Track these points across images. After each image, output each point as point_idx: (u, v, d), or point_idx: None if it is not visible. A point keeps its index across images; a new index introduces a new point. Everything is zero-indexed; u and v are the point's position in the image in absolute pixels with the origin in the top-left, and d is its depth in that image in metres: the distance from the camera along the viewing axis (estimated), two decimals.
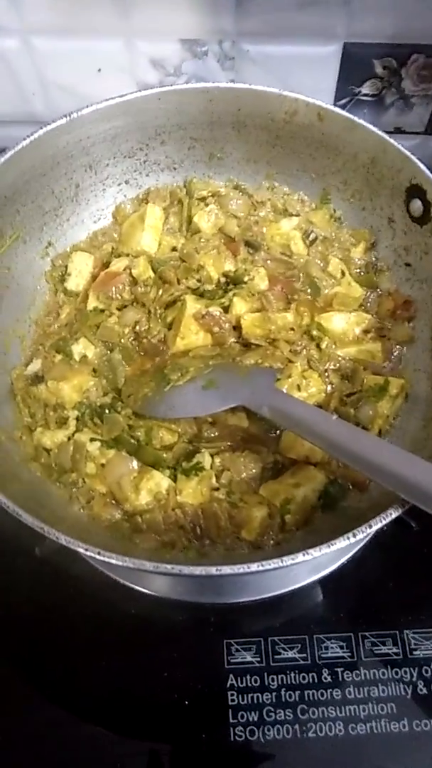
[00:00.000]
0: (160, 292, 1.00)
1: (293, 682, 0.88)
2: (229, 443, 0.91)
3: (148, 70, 1.23)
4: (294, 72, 1.20)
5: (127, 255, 1.04)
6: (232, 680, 0.88)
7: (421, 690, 0.88)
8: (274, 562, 0.65)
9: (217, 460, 0.89)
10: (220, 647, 0.90)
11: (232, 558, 0.82)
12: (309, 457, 0.88)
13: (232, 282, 1.02)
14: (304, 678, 0.89)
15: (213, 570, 0.65)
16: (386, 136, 0.95)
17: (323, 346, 0.98)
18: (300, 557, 0.65)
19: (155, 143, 1.08)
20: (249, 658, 0.90)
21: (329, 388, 0.95)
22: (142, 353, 0.98)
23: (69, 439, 0.90)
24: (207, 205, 1.09)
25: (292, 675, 0.89)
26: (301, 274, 1.03)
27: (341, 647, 0.91)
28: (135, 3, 1.11)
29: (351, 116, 0.97)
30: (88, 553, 0.66)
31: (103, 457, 0.88)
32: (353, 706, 0.87)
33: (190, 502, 0.86)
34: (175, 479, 0.87)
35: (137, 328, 0.99)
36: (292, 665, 0.89)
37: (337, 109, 0.98)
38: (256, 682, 0.88)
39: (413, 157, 0.92)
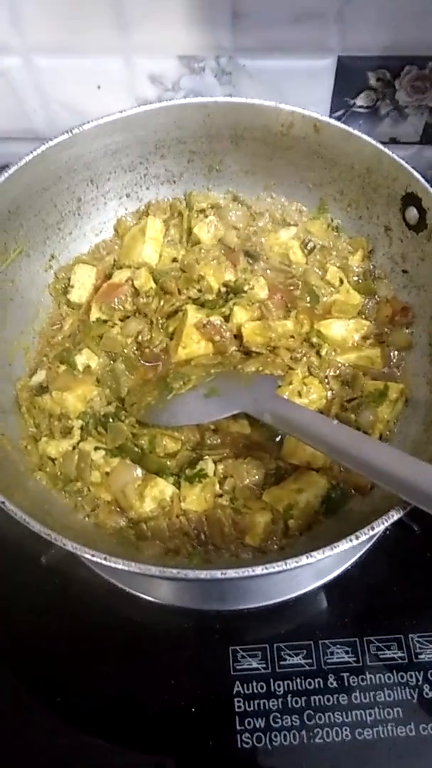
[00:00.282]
0: (162, 302, 1.02)
1: (299, 687, 0.89)
2: (231, 450, 0.92)
3: (147, 86, 1.25)
4: (290, 85, 1.22)
5: (129, 266, 1.06)
6: (238, 687, 0.88)
7: (427, 694, 0.88)
8: (278, 565, 0.66)
9: (220, 467, 0.90)
10: (226, 654, 0.90)
11: (237, 563, 0.83)
12: (311, 462, 0.89)
13: (233, 291, 1.03)
14: (310, 684, 0.89)
15: (218, 573, 0.65)
16: (381, 146, 0.97)
17: (323, 352, 0.99)
18: (304, 560, 0.66)
19: (155, 157, 1.10)
20: (255, 665, 0.90)
21: (330, 394, 0.96)
22: (144, 363, 1.00)
23: (74, 448, 0.91)
24: (206, 216, 1.11)
25: (298, 681, 0.89)
26: (300, 283, 1.05)
27: (347, 652, 0.91)
28: (134, 21, 1.13)
29: (346, 127, 0.99)
30: (94, 559, 0.66)
31: (107, 466, 0.89)
32: (359, 711, 0.87)
33: (194, 508, 0.86)
34: (178, 486, 0.88)
35: (140, 338, 1.00)
36: (297, 671, 0.90)
37: (333, 121, 1.00)
38: (262, 688, 0.88)
39: (408, 166, 0.94)
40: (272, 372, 0.95)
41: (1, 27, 1.14)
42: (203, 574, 0.66)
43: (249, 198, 1.15)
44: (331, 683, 0.89)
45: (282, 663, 0.90)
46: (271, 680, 0.89)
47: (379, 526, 0.69)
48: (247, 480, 0.89)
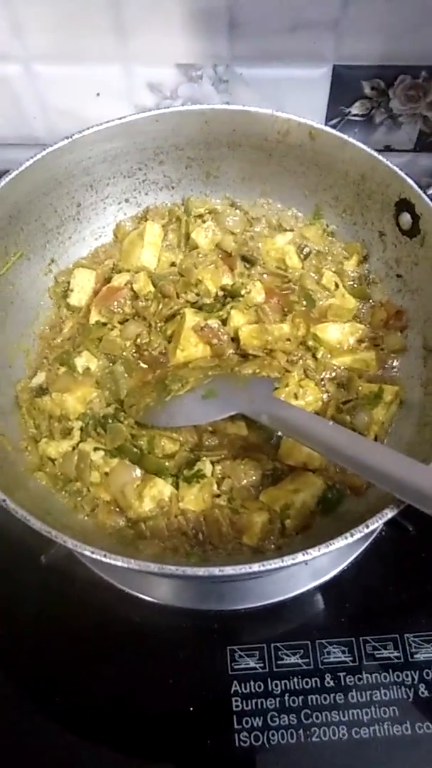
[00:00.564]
0: (160, 306, 1.03)
1: (296, 687, 0.89)
2: (229, 451, 0.93)
3: (145, 93, 1.27)
4: (286, 94, 1.24)
5: (128, 270, 1.07)
6: (235, 686, 0.89)
7: (422, 693, 0.89)
8: (275, 562, 0.67)
9: (218, 468, 0.91)
10: (224, 654, 0.91)
11: (234, 562, 0.83)
12: (307, 463, 0.90)
13: (230, 295, 1.04)
14: (307, 683, 0.89)
15: (216, 570, 0.66)
16: (375, 153, 0.99)
17: (319, 355, 1.00)
18: (300, 557, 0.67)
19: (154, 163, 1.11)
20: (252, 664, 0.91)
21: (325, 396, 0.97)
22: (143, 365, 1.01)
23: (73, 449, 0.92)
24: (204, 221, 1.12)
25: (295, 680, 0.90)
26: (296, 287, 1.06)
27: (343, 652, 0.92)
28: (132, 30, 1.15)
29: (341, 135, 1.01)
30: (94, 556, 0.67)
31: (106, 466, 0.90)
32: (356, 710, 0.88)
33: (192, 508, 0.87)
34: (177, 487, 0.89)
35: (138, 341, 1.01)
36: (295, 670, 0.90)
37: (328, 128, 1.02)
38: (259, 687, 0.89)
39: (401, 173, 0.96)
40: (269, 374, 0.96)
41: (2, 35, 1.16)
42: (201, 571, 0.67)
43: (246, 204, 1.16)
44: (328, 683, 0.89)
45: (279, 663, 0.91)
46: (269, 680, 0.89)
47: (374, 524, 0.70)
48: (245, 480, 0.90)
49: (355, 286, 1.08)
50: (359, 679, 0.90)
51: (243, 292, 1.03)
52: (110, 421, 0.94)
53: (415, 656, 0.91)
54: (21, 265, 1.02)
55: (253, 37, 1.16)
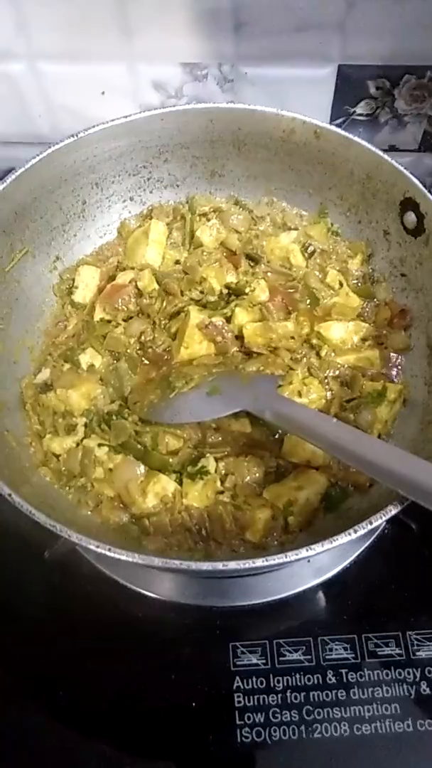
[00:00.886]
0: (165, 303, 1.04)
1: (298, 683, 0.89)
2: (232, 448, 0.93)
3: (150, 92, 1.27)
4: (291, 93, 1.24)
5: (133, 268, 1.08)
6: (238, 682, 0.89)
7: (424, 690, 0.89)
8: (279, 557, 0.67)
9: (222, 465, 0.91)
10: (226, 650, 0.91)
11: (238, 558, 0.84)
12: (311, 461, 0.90)
13: (234, 293, 1.05)
14: (309, 679, 0.90)
15: (219, 565, 0.67)
16: (380, 152, 0.99)
17: (323, 354, 1.00)
18: (303, 552, 0.67)
19: (159, 161, 1.12)
20: (255, 661, 0.91)
21: (329, 394, 0.98)
22: (147, 362, 1.01)
23: (77, 445, 0.93)
24: (209, 220, 1.13)
25: (297, 677, 0.90)
26: (300, 286, 1.07)
27: (345, 649, 0.92)
28: (137, 28, 1.15)
29: (346, 134, 1.01)
30: (98, 550, 0.68)
31: (110, 462, 0.91)
32: (358, 707, 0.88)
33: (195, 505, 0.88)
34: (181, 483, 0.89)
35: (143, 338, 1.02)
36: (297, 667, 0.90)
37: (333, 127, 1.02)
38: (261, 683, 0.89)
39: (406, 172, 0.96)
40: (273, 372, 0.97)
41: (7, 33, 1.16)
42: (205, 566, 0.68)
43: (250, 202, 1.17)
44: (330, 679, 0.90)
45: (281, 659, 0.91)
46: (271, 676, 0.89)
47: (378, 521, 0.71)
48: (248, 477, 0.90)
49: (359, 284, 1.08)
50: (361, 676, 0.90)
51: (247, 290, 1.04)
52: (114, 417, 0.94)
53: (417, 654, 0.92)
54: (26, 262, 1.03)
55: (258, 36, 1.16)
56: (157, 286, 1.05)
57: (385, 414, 0.94)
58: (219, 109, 1.05)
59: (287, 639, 0.92)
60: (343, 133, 1.01)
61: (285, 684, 0.89)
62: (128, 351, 1.01)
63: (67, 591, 0.95)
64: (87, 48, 1.19)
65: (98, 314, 1.03)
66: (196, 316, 1.00)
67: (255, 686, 0.89)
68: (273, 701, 0.88)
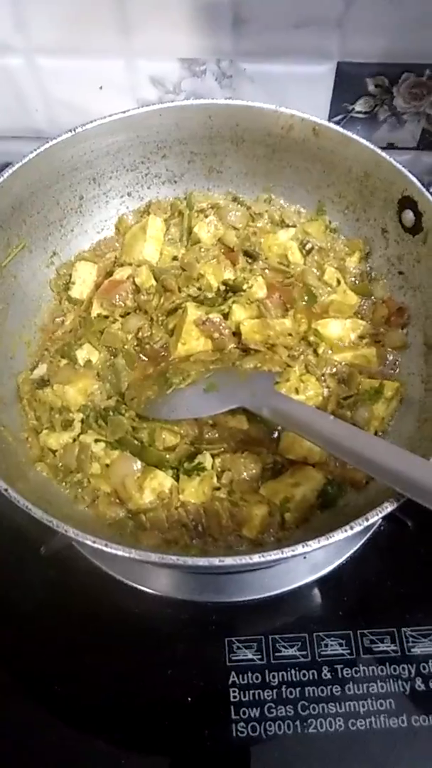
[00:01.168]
0: (162, 299, 1.04)
1: (294, 679, 0.90)
2: (229, 444, 0.93)
3: (148, 87, 1.27)
4: (289, 90, 1.24)
5: (130, 264, 1.08)
6: (233, 677, 0.89)
7: (419, 686, 0.90)
8: (275, 553, 0.67)
9: (218, 461, 0.91)
10: (222, 645, 0.91)
11: (234, 554, 0.84)
12: (307, 457, 0.91)
13: (232, 290, 1.05)
14: (304, 675, 0.90)
15: (216, 561, 0.67)
16: (379, 150, 0.99)
17: (320, 351, 1.00)
18: (299, 548, 0.67)
19: (156, 157, 1.12)
20: (250, 656, 0.91)
21: (326, 391, 0.98)
22: (144, 358, 1.01)
23: (74, 440, 0.92)
24: (206, 216, 1.13)
25: (293, 672, 0.90)
26: (298, 283, 1.07)
27: (340, 645, 0.92)
28: (136, 24, 1.15)
29: (345, 131, 1.01)
30: (95, 546, 0.68)
31: (107, 458, 0.91)
32: (353, 703, 0.88)
33: (192, 500, 0.88)
34: (177, 479, 0.89)
35: (140, 334, 1.02)
36: (292, 662, 0.91)
37: (332, 125, 1.02)
38: (257, 679, 0.89)
39: (404, 170, 0.96)
40: (270, 369, 0.97)
41: (5, 27, 1.16)
42: (202, 561, 0.68)
43: (248, 199, 1.17)
44: (325, 675, 0.90)
45: (277, 654, 0.91)
46: (266, 671, 0.90)
47: (374, 518, 0.71)
48: (245, 474, 0.91)
49: (357, 282, 1.08)
50: (356, 672, 0.90)
51: (245, 286, 1.04)
52: (111, 413, 0.94)
53: (412, 650, 0.92)
54: (23, 257, 1.03)
55: (257, 32, 1.16)
56: (154, 282, 1.04)
57: (381, 411, 0.95)
58: (217, 106, 1.05)
59: (283, 635, 0.93)
60: (341, 130, 1.01)
61: (280, 679, 0.90)
62: (125, 347, 1.01)
63: (63, 586, 0.95)
64: (85, 43, 1.19)
65: (95, 310, 1.03)
66: (193, 312, 1.00)
67: (250, 681, 0.89)
68: (268, 696, 0.88)
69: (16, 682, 0.91)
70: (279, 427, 0.93)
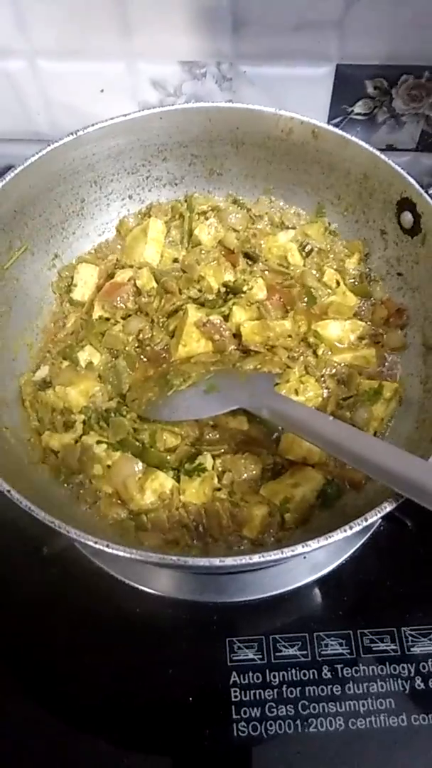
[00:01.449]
0: (163, 301, 1.04)
1: (294, 678, 0.90)
2: (230, 445, 0.94)
3: (148, 90, 1.27)
4: (289, 92, 1.25)
5: (131, 266, 1.08)
6: (234, 677, 0.90)
7: (419, 685, 0.90)
8: (275, 553, 0.68)
9: (219, 462, 0.92)
10: (223, 645, 0.92)
11: (234, 554, 0.85)
12: (307, 458, 0.91)
13: (232, 292, 1.05)
14: (304, 674, 0.90)
15: (217, 561, 0.67)
16: (377, 152, 0.99)
17: (320, 352, 1.01)
18: (299, 548, 0.68)
19: (157, 160, 1.12)
20: (251, 656, 0.92)
21: (326, 392, 0.98)
22: (145, 360, 1.02)
23: (76, 441, 0.93)
24: (207, 218, 1.13)
25: (293, 672, 0.91)
26: (297, 284, 1.07)
27: (341, 644, 0.93)
28: (137, 27, 1.15)
29: (344, 134, 1.02)
30: (97, 546, 0.68)
31: (109, 459, 0.91)
32: (353, 702, 0.89)
33: (193, 501, 0.88)
34: (178, 480, 0.90)
35: (141, 336, 1.02)
36: (293, 662, 0.91)
37: (331, 127, 1.03)
38: (258, 678, 0.90)
39: (403, 172, 0.97)
40: (270, 370, 0.97)
41: (6, 30, 1.16)
42: (203, 562, 0.68)
43: (248, 201, 1.17)
44: (326, 674, 0.90)
45: (277, 654, 0.92)
46: (267, 671, 0.90)
47: (373, 518, 0.71)
48: (245, 474, 0.91)
49: (356, 283, 1.09)
50: (356, 671, 0.91)
51: (245, 288, 1.04)
52: (113, 414, 0.95)
53: (412, 649, 0.92)
54: (25, 259, 1.03)
55: (257, 35, 1.16)
56: (155, 285, 1.05)
57: (381, 412, 0.95)
58: (218, 109, 1.05)
59: (283, 634, 0.93)
60: (340, 133, 1.02)
61: (281, 679, 0.90)
62: (126, 349, 1.02)
63: (64, 586, 0.96)
64: (86, 46, 1.19)
65: (97, 312, 1.04)
66: (194, 314, 1.00)
67: (251, 681, 0.90)
68: (269, 696, 0.89)
69: (17, 682, 0.91)
70: (279, 428, 0.94)
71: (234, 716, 0.87)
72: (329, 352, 1.01)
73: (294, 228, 1.14)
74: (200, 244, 1.11)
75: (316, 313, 1.05)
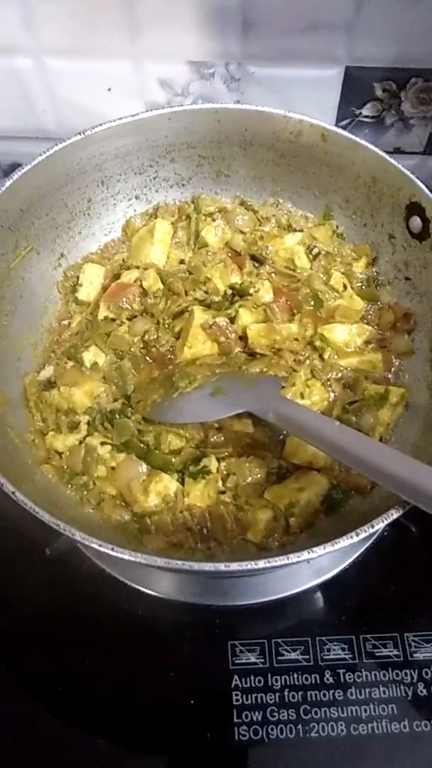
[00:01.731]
0: (169, 303, 1.04)
1: (296, 683, 0.90)
2: (234, 448, 0.94)
3: (156, 90, 1.27)
4: (297, 94, 1.24)
5: (137, 267, 1.08)
6: (236, 681, 0.90)
7: (421, 692, 0.90)
8: (281, 559, 0.67)
9: (223, 465, 0.92)
10: (225, 648, 0.92)
11: (239, 559, 0.84)
12: (312, 462, 0.91)
13: (238, 294, 1.05)
14: (306, 679, 0.90)
15: (222, 566, 0.67)
16: (387, 156, 0.99)
17: (326, 356, 1.01)
18: (305, 554, 0.67)
19: (165, 160, 1.12)
20: (253, 660, 0.92)
21: (332, 396, 0.98)
22: (151, 361, 1.01)
23: (80, 442, 0.93)
24: (214, 220, 1.13)
25: (295, 676, 0.90)
26: (304, 287, 1.07)
27: (343, 649, 0.93)
28: (145, 26, 1.15)
29: (353, 137, 1.01)
30: (102, 549, 0.68)
31: (113, 461, 0.91)
32: (355, 707, 0.89)
33: (197, 504, 0.88)
34: (182, 482, 0.90)
35: (146, 337, 1.02)
36: (295, 666, 0.91)
37: (340, 130, 1.03)
38: (260, 682, 0.90)
39: (413, 177, 0.96)
40: (276, 373, 0.97)
41: (14, 28, 1.16)
42: (208, 566, 0.68)
43: (256, 203, 1.17)
44: (328, 679, 0.90)
45: (280, 658, 0.92)
46: (269, 675, 0.90)
47: (380, 524, 0.71)
48: (250, 478, 0.91)
49: (363, 287, 1.09)
50: (358, 677, 0.91)
51: (251, 291, 1.04)
52: (117, 416, 0.94)
53: (415, 655, 0.92)
54: (31, 258, 1.03)
55: (265, 36, 1.16)
56: (161, 286, 1.05)
57: (387, 417, 0.95)
58: (226, 110, 1.05)
59: (286, 639, 0.93)
60: (350, 136, 1.01)
61: (283, 683, 0.90)
62: (132, 350, 1.01)
63: (67, 588, 0.96)
64: (94, 44, 1.19)
65: (102, 313, 1.04)
66: (200, 316, 1.00)
67: (253, 685, 0.90)
68: (271, 700, 0.89)
69: (19, 683, 0.91)
70: (284, 432, 0.93)
71: (235, 720, 0.87)
72: (335, 356, 1.01)
73: (301, 231, 1.14)
74: (207, 246, 1.10)
75: (323, 316, 1.05)
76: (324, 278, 1.08)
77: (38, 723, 0.88)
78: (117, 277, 1.08)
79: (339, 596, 0.97)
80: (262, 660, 0.91)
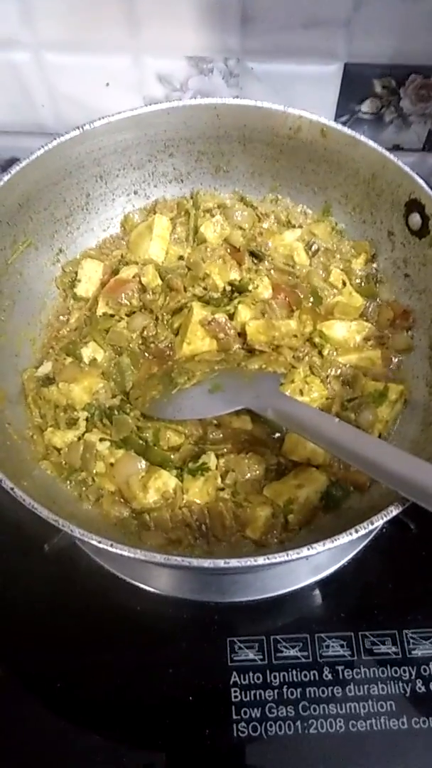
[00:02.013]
0: (168, 299, 1.03)
1: (295, 679, 0.90)
2: (233, 445, 0.94)
3: (155, 85, 1.26)
4: (296, 90, 1.24)
5: (136, 263, 1.07)
6: (235, 677, 0.90)
7: (419, 689, 0.90)
8: (280, 555, 0.67)
9: (222, 461, 0.92)
10: (224, 645, 0.92)
11: (238, 555, 0.84)
12: (311, 459, 0.91)
13: (237, 290, 1.05)
14: (305, 676, 0.90)
15: (221, 563, 0.67)
16: (387, 153, 0.99)
17: (325, 352, 1.01)
18: (305, 551, 0.67)
19: (164, 156, 1.11)
20: (252, 656, 0.92)
21: (331, 392, 0.98)
22: (149, 357, 1.01)
23: (79, 439, 0.92)
24: (213, 216, 1.12)
25: (294, 673, 0.91)
26: (303, 284, 1.07)
27: (342, 646, 0.93)
28: (144, 21, 1.14)
29: (353, 133, 1.01)
30: (101, 546, 0.68)
31: (112, 457, 0.91)
32: (353, 704, 0.89)
33: (196, 501, 0.88)
34: (181, 479, 0.90)
35: (145, 333, 1.01)
36: (293, 663, 0.91)
37: (340, 126, 1.02)
38: (258, 679, 0.90)
39: (412, 173, 0.96)
40: (275, 370, 0.97)
41: (12, 22, 1.15)
42: (207, 563, 0.68)
43: (255, 199, 1.16)
44: (326, 676, 0.90)
45: (278, 655, 0.92)
46: (268, 671, 0.90)
47: (379, 521, 0.71)
48: (249, 474, 0.91)
49: (363, 284, 1.08)
50: (357, 674, 0.91)
51: (250, 287, 1.04)
52: (116, 412, 0.94)
53: (413, 652, 0.92)
54: (29, 254, 1.02)
55: (265, 32, 1.15)
56: (160, 282, 1.04)
57: (386, 414, 0.95)
58: (226, 105, 1.04)
59: (284, 635, 0.93)
60: (349, 132, 1.01)
61: (281, 680, 0.90)
62: (130, 346, 1.01)
63: (66, 584, 0.96)
64: (92, 39, 1.18)
65: (101, 308, 1.03)
66: (199, 312, 0.99)
67: (252, 681, 0.90)
68: (269, 697, 0.89)
69: (18, 679, 0.91)
70: (283, 429, 0.93)
71: (234, 716, 0.87)
72: (334, 353, 1.01)
73: (300, 227, 1.13)
74: (206, 242, 1.10)
75: (322, 313, 1.05)
76: (323, 275, 1.08)
77: (36, 719, 0.88)
78: (115, 272, 1.07)
79: (338, 593, 0.97)
80: (261, 657, 0.91)
